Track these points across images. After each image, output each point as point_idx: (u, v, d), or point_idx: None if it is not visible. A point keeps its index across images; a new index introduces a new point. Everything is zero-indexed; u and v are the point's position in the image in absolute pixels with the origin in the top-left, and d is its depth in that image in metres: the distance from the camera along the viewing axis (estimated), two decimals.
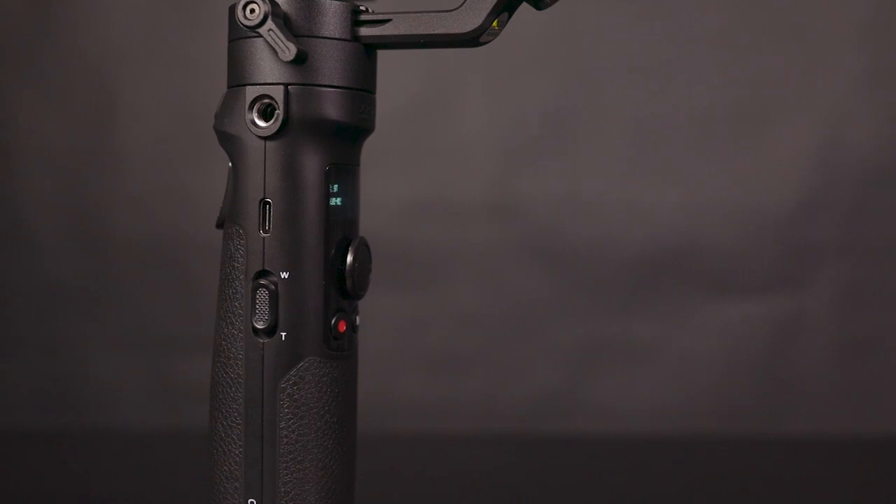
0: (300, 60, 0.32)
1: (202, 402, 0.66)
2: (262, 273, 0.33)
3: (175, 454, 0.62)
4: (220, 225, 0.34)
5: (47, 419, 0.69)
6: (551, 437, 0.67)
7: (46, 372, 0.70)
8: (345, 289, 0.33)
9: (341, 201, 0.33)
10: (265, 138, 0.32)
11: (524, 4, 0.33)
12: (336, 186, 0.33)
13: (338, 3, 0.33)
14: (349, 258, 0.33)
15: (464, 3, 0.32)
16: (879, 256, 0.70)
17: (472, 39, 0.33)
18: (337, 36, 0.33)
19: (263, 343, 0.33)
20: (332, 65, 0.33)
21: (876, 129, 0.69)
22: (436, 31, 0.33)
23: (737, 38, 0.70)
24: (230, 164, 0.33)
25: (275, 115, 0.32)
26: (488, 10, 0.32)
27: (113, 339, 0.70)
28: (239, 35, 0.33)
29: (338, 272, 0.33)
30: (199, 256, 0.68)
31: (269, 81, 0.32)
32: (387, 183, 0.68)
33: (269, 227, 0.33)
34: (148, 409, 0.70)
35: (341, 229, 0.33)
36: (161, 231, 0.70)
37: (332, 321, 0.33)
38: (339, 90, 0.33)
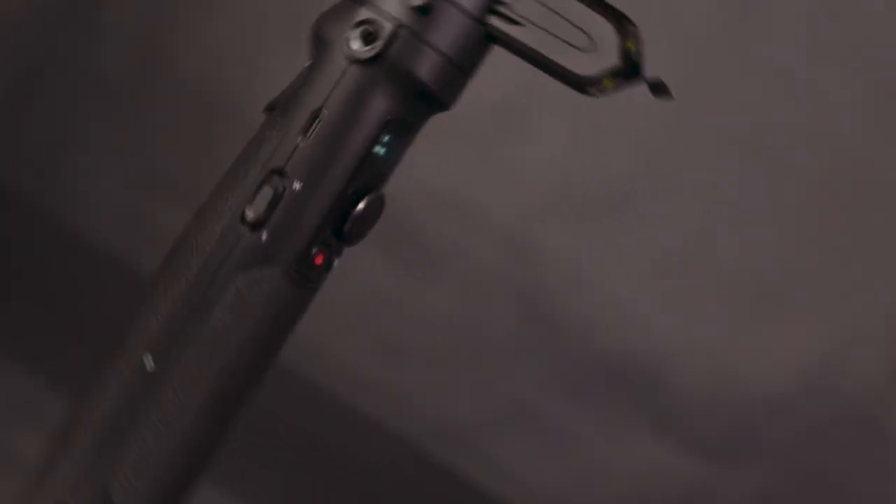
0: (425, 11, 0.32)
1: None
2: (280, 172, 0.33)
3: None
4: (268, 108, 0.34)
5: None
6: None
7: None
8: (341, 228, 0.33)
9: (384, 153, 0.33)
10: (352, 60, 0.32)
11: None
12: (388, 138, 0.33)
13: None
14: (362, 204, 0.33)
15: (595, 49, 0.32)
16: None
17: (579, 84, 0.32)
18: (468, 10, 0.32)
19: (243, 232, 0.33)
20: (449, 31, 0.32)
21: None
22: (553, 59, 0.32)
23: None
24: (310, 61, 0.33)
25: (372, 45, 0.32)
26: (609, 69, 0.32)
27: None
28: None
29: (344, 210, 0.33)
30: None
31: (386, 11, 0.32)
32: None
33: (310, 135, 0.33)
34: None
35: (370, 176, 0.33)
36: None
37: (313, 250, 0.33)
38: (442, 57, 0.33)
